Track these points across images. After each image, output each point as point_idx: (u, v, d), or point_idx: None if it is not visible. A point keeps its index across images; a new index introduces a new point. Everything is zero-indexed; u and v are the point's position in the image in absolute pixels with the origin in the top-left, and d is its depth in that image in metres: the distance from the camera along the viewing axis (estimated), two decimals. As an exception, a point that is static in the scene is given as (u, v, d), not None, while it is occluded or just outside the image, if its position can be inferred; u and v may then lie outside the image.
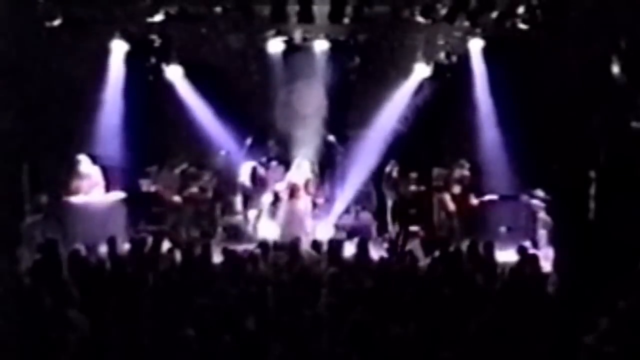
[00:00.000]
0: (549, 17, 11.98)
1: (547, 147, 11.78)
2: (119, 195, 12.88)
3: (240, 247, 11.77)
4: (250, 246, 12.05)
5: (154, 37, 13.40)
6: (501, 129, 13.60)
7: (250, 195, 13.69)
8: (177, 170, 13.51)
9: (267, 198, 13.53)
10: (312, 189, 13.11)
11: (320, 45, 13.70)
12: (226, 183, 13.86)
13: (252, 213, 13.43)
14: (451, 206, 13.14)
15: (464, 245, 10.59)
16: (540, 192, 12.59)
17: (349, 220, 13.85)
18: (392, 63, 14.26)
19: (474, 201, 13.20)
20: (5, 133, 11.91)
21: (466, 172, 13.22)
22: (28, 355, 6.89)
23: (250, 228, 13.42)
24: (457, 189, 13.17)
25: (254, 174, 13.69)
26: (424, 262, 10.07)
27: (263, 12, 12.53)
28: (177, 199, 13.32)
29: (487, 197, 13.35)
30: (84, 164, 12.66)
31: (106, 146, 13.20)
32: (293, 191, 12.92)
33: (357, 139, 14.26)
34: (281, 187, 13.49)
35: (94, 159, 12.82)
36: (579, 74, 10.86)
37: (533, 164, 12.62)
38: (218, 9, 12.33)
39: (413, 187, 13.72)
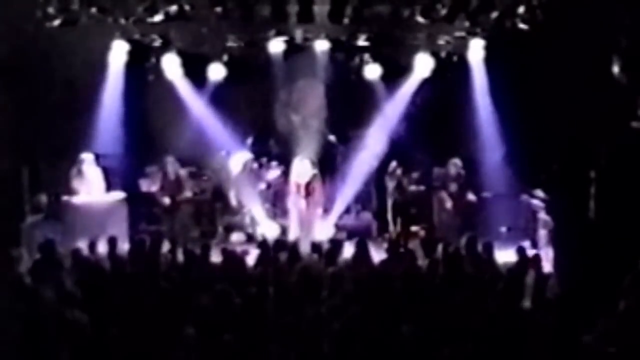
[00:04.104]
0: (549, 17, 11.97)
1: (547, 147, 11.78)
2: (119, 195, 12.88)
3: (239, 248, 11.80)
4: (251, 247, 12.13)
5: (154, 37, 13.40)
6: (501, 128, 13.60)
7: (243, 188, 13.59)
8: (170, 174, 13.42)
9: (260, 187, 13.52)
10: (318, 187, 13.09)
11: (321, 45, 13.69)
12: (226, 183, 13.85)
13: (246, 209, 13.41)
14: (449, 204, 13.15)
15: (463, 242, 10.58)
16: (540, 192, 12.59)
17: (349, 220, 13.85)
18: (392, 63, 14.27)
19: (471, 198, 13.22)
20: (4, 133, 11.98)
21: (461, 171, 13.22)
22: (28, 355, 6.89)
23: (248, 223, 13.38)
24: (453, 187, 13.18)
25: (245, 165, 13.65)
26: (423, 261, 10.04)
27: (263, 12, 12.53)
28: (167, 201, 13.26)
29: (483, 195, 13.37)
30: (87, 163, 12.66)
31: (106, 146, 13.19)
32: (299, 190, 12.91)
33: (358, 139, 14.26)
34: (274, 175, 13.48)
35: (96, 159, 12.82)
36: (579, 74, 10.87)
37: (533, 163, 12.61)
38: (218, 9, 12.32)
39: (413, 187, 13.73)
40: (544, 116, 12.02)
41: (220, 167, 13.93)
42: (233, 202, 13.58)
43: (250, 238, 13.09)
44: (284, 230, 13.08)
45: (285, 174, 13.56)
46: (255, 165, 13.86)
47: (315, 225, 12.81)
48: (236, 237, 13.25)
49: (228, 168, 13.83)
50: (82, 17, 12.24)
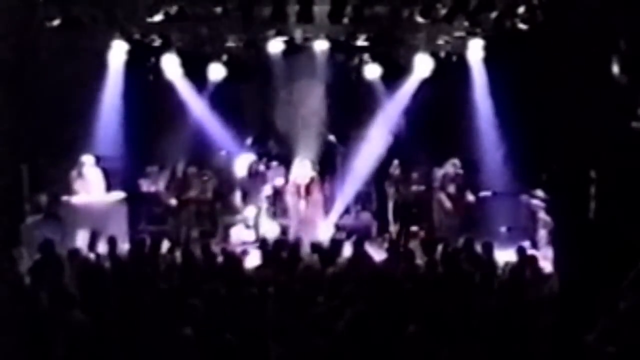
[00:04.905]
0: (549, 17, 11.97)
1: (547, 147, 11.78)
2: (119, 195, 12.88)
3: (239, 248, 11.80)
4: (251, 247, 12.12)
5: (154, 37, 13.40)
6: (501, 128, 13.60)
7: (249, 190, 13.64)
8: (179, 173, 13.44)
9: (266, 192, 13.53)
10: (317, 187, 13.10)
11: (320, 45, 13.69)
12: (226, 183, 13.86)
13: (250, 210, 13.39)
14: (448, 205, 13.15)
15: (461, 242, 10.59)
16: (540, 192, 12.59)
17: (349, 220, 13.85)
18: (392, 63, 14.27)
19: (470, 198, 13.21)
20: (5, 133, 11.99)
21: (460, 171, 13.22)
22: (28, 355, 6.90)
23: (249, 223, 13.39)
24: (451, 188, 13.18)
25: (252, 167, 13.67)
26: (422, 261, 10.05)
27: (263, 12, 12.52)
28: (174, 202, 13.25)
29: (482, 194, 13.37)
30: (87, 165, 12.66)
31: (106, 146, 13.18)
32: (298, 191, 12.92)
33: (357, 139, 14.27)
34: (280, 182, 13.50)
35: (96, 159, 12.83)
36: (579, 74, 10.86)
37: (533, 163, 12.61)
38: (218, 9, 12.32)
39: (414, 187, 13.73)
40: (544, 116, 12.00)
41: (221, 167, 13.94)
42: (237, 203, 13.59)
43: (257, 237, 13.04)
44: (284, 230, 13.08)
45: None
46: (261, 167, 13.86)
47: (318, 225, 12.82)
48: (245, 233, 13.15)
49: (228, 168, 13.84)
50: (82, 17, 12.23)
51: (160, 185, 13.61)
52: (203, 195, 13.64)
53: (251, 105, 14.80)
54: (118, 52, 13.28)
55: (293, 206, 12.99)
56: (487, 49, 13.45)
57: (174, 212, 13.24)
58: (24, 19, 12.05)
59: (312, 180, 13.01)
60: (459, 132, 13.86)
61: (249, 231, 13.20)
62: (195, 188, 13.47)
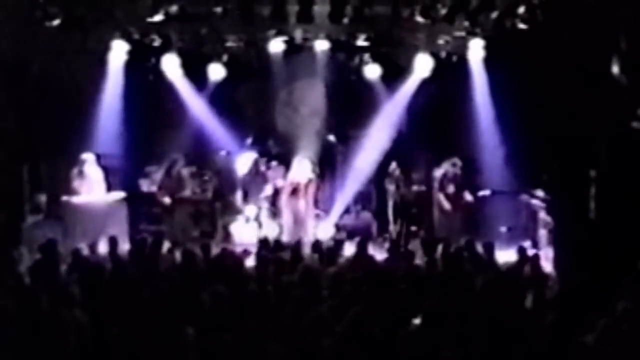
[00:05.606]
0: (549, 17, 11.98)
1: (547, 147, 11.79)
2: (119, 195, 12.89)
3: (239, 248, 11.79)
4: (252, 247, 12.12)
5: (154, 37, 13.40)
6: (501, 128, 13.60)
7: (250, 189, 13.64)
8: (174, 172, 13.45)
9: (267, 192, 13.52)
10: (313, 188, 13.12)
11: (321, 45, 13.69)
12: (226, 183, 13.86)
13: (251, 210, 13.38)
14: (446, 205, 13.15)
15: (462, 243, 10.60)
16: (540, 192, 12.60)
17: (349, 220, 13.86)
18: (392, 63, 14.28)
19: (469, 198, 13.22)
20: (5, 133, 11.99)
21: (459, 171, 13.22)
22: (28, 355, 6.89)
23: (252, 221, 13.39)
24: (450, 188, 13.18)
25: (254, 165, 13.68)
26: (422, 261, 10.05)
27: (263, 12, 12.53)
28: (167, 200, 13.28)
29: (481, 193, 13.37)
30: (89, 163, 12.67)
31: (106, 146, 13.18)
32: (295, 190, 12.93)
33: (357, 139, 14.27)
34: (282, 183, 13.51)
35: (97, 158, 12.83)
36: (579, 74, 10.88)
37: (533, 163, 12.62)
38: (218, 9, 12.33)
39: (414, 187, 13.73)
40: (544, 116, 12.02)
41: (221, 167, 13.95)
42: (238, 202, 13.58)
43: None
44: (283, 230, 13.09)
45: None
46: (263, 167, 13.86)
47: (309, 225, 12.83)
48: (246, 233, 13.12)
49: (229, 168, 13.85)
50: (82, 17, 12.23)
51: (155, 186, 13.62)
52: (202, 195, 13.66)
53: (251, 105, 14.81)
54: (118, 52, 13.28)
55: (287, 205, 12.98)
56: (488, 49, 13.44)
57: (169, 212, 13.25)
58: (24, 19, 12.05)
59: (309, 180, 13.03)
60: (459, 132, 13.87)
61: (250, 230, 13.20)
62: (191, 188, 13.47)
